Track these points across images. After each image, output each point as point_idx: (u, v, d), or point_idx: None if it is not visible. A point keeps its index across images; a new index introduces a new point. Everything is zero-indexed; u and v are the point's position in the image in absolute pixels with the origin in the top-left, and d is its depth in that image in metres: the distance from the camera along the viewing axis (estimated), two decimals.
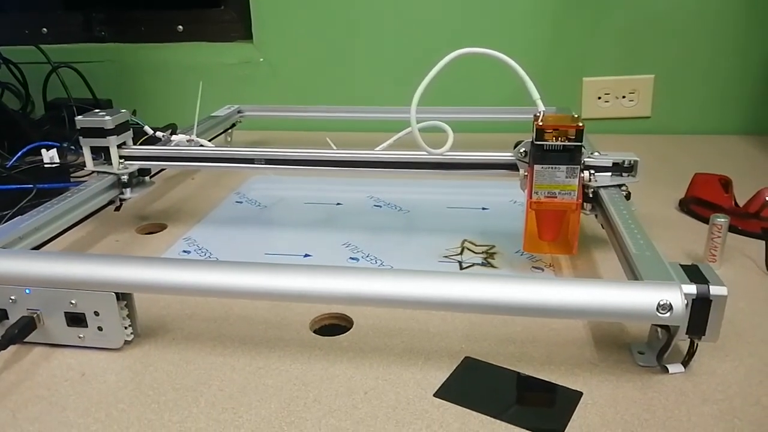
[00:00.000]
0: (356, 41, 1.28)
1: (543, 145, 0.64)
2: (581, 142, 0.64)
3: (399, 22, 1.25)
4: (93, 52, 1.36)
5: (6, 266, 0.55)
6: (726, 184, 0.84)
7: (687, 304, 0.48)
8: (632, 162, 0.70)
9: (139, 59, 1.36)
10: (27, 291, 0.55)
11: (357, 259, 0.74)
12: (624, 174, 0.70)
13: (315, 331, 0.60)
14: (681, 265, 0.52)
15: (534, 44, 1.22)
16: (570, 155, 0.64)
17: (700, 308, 0.48)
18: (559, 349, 0.56)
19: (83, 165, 1.02)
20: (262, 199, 0.94)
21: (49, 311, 0.56)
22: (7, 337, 0.54)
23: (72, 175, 1.01)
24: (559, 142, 0.64)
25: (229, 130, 1.14)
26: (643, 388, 0.50)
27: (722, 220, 0.67)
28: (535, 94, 0.67)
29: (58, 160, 1.03)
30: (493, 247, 0.75)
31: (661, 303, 0.47)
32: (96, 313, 0.55)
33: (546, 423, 0.47)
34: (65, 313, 0.55)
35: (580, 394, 0.50)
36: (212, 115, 1.11)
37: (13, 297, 0.55)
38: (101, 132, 0.79)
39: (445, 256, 0.73)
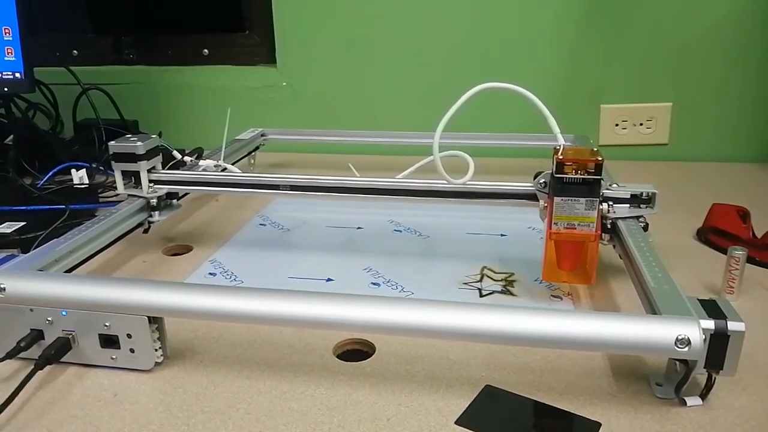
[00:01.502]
0: (376, 67, 1.30)
1: (563, 178, 0.65)
2: (600, 175, 0.65)
3: (419, 49, 1.27)
4: (121, 75, 1.40)
5: (44, 289, 0.57)
6: (744, 215, 0.84)
7: (705, 339, 0.49)
8: (650, 194, 0.71)
9: (166, 82, 1.40)
10: (63, 313, 0.57)
11: (378, 285, 0.75)
12: (642, 206, 0.71)
13: (338, 356, 0.62)
14: (699, 300, 0.53)
15: (552, 71, 1.24)
16: (589, 188, 0.66)
17: (718, 343, 0.49)
18: (578, 379, 0.57)
19: (112, 186, 1.06)
20: (284, 221, 0.96)
21: (84, 333, 0.58)
22: (44, 357, 0.56)
23: (100, 195, 1.04)
24: (578, 176, 0.65)
25: (253, 153, 1.17)
26: (661, 420, 0.51)
27: (740, 252, 0.68)
28: (556, 129, 0.69)
29: (87, 181, 1.06)
30: (513, 274, 0.77)
31: (680, 338, 0.48)
32: (129, 336, 0.57)
33: None
34: (99, 334, 0.57)
35: (599, 425, 0.51)
36: (237, 138, 1.14)
37: (49, 318, 0.57)
38: (132, 157, 0.81)
39: (465, 283, 0.75)
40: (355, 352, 0.63)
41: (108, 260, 0.82)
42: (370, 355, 0.61)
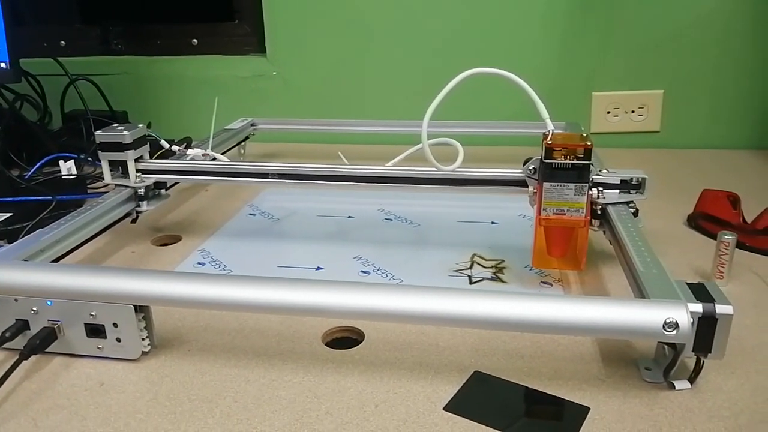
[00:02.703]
0: (368, 56, 1.29)
1: (552, 163, 0.65)
2: (589, 160, 0.65)
3: (411, 38, 1.27)
4: (109, 65, 1.39)
5: (29, 278, 0.57)
6: (734, 200, 0.84)
7: (693, 323, 0.49)
8: (640, 179, 0.71)
9: (155, 72, 1.38)
10: (48, 303, 0.57)
11: (368, 273, 0.75)
12: (632, 191, 0.71)
13: (327, 344, 0.61)
14: (687, 284, 0.53)
15: (544, 59, 1.24)
16: (578, 173, 0.65)
17: (706, 326, 0.49)
18: (567, 364, 0.57)
19: (100, 176, 1.05)
20: (275, 211, 0.96)
21: (70, 322, 0.57)
22: (29, 347, 0.55)
23: (88, 186, 1.03)
24: (567, 161, 0.65)
25: (243, 143, 1.16)
26: (650, 404, 0.51)
27: (730, 237, 0.68)
28: (545, 114, 0.68)
29: (75, 172, 1.05)
30: (503, 261, 0.76)
31: (668, 321, 0.48)
32: (115, 325, 0.57)
33: None
34: (85, 324, 0.57)
35: (588, 409, 0.51)
36: (226, 128, 1.14)
37: (35, 308, 0.57)
38: (119, 146, 0.81)
39: (455, 270, 0.75)
40: (344, 339, 0.63)
41: (96, 250, 0.82)
42: (359, 343, 0.61)
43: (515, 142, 1.15)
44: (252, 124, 1.19)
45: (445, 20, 1.25)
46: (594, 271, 0.74)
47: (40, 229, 0.68)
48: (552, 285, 0.71)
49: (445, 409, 0.51)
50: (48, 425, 0.50)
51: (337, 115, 1.28)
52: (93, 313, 0.56)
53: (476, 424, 0.49)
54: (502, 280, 0.72)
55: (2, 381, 0.53)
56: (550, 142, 0.65)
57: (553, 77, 1.24)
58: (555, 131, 0.68)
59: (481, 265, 0.76)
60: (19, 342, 0.57)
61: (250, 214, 0.95)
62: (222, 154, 0.97)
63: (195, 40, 1.40)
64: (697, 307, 0.49)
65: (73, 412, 0.52)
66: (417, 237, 0.86)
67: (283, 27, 1.31)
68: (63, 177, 1.04)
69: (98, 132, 0.81)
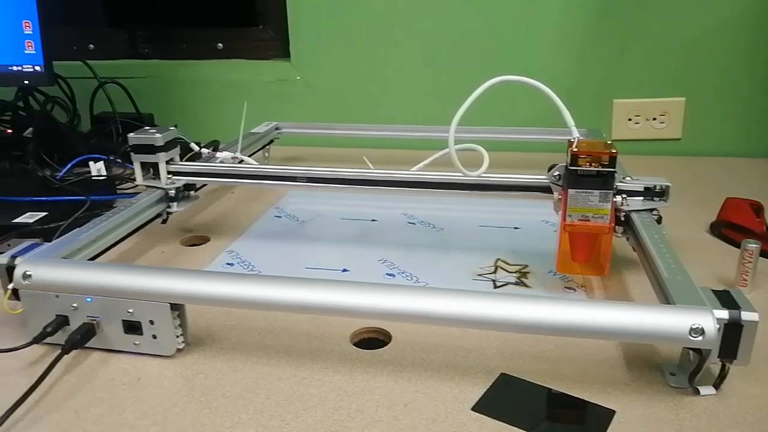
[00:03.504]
0: (389, 61, 1.31)
1: (577, 170, 0.66)
2: (614, 168, 0.66)
3: (431, 42, 1.28)
4: (136, 68, 1.41)
5: (70, 276, 0.59)
6: (758, 209, 0.85)
7: (719, 329, 0.50)
8: (664, 187, 0.72)
9: (180, 75, 1.41)
10: (88, 299, 0.59)
11: (393, 275, 0.76)
12: (655, 198, 0.72)
13: (354, 344, 0.63)
14: (713, 291, 0.54)
15: (565, 65, 1.25)
16: (603, 180, 0.66)
17: (732, 333, 0.50)
18: (591, 368, 0.58)
19: (128, 178, 1.07)
20: (299, 214, 0.97)
21: (108, 319, 0.59)
22: (70, 342, 0.58)
23: (117, 187, 1.05)
24: (592, 168, 0.66)
25: (268, 146, 1.18)
26: (675, 409, 0.52)
27: (754, 245, 0.69)
28: (570, 122, 0.69)
29: (104, 173, 1.08)
30: (526, 266, 0.77)
31: (694, 327, 0.49)
32: (151, 322, 0.58)
33: None
34: (123, 320, 0.59)
35: (613, 412, 0.52)
36: (251, 131, 1.15)
37: (75, 305, 0.59)
38: (151, 149, 0.83)
39: (479, 274, 0.76)
40: (372, 340, 0.64)
41: (127, 250, 0.84)
42: (386, 344, 0.62)
43: (535, 149, 1.16)
44: (276, 128, 1.21)
45: (465, 26, 1.26)
46: (617, 277, 0.75)
47: (77, 229, 0.70)
48: (575, 290, 0.72)
49: (474, 409, 0.52)
50: (89, 417, 0.52)
51: (359, 119, 1.29)
52: (130, 310, 0.58)
53: (504, 424, 0.50)
54: (526, 285, 0.73)
55: (45, 374, 0.55)
56: (575, 150, 0.66)
57: (573, 84, 1.25)
58: (580, 138, 0.69)
59: (505, 270, 0.77)
60: (59, 337, 0.59)
61: (276, 217, 0.97)
62: (248, 157, 0.99)
63: (220, 45, 1.42)
64: (723, 314, 0.50)
65: (113, 405, 0.54)
66: (440, 241, 0.87)
67: (307, 32, 1.33)
68: (93, 178, 1.06)
69: (131, 134, 0.83)
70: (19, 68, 1.03)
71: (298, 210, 0.99)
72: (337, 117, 1.33)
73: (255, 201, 1.03)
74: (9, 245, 0.80)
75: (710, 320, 0.49)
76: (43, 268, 0.60)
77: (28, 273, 0.59)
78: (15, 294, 0.60)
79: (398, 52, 1.30)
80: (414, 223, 0.93)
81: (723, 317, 0.50)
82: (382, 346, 0.62)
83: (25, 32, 1.02)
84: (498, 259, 0.79)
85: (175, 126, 0.89)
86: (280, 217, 0.97)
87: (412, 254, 0.82)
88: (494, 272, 0.76)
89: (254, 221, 0.95)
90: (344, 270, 0.78)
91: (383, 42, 1.30)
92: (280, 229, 0.92)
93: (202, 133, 1.20)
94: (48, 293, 0.59)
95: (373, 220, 0.94)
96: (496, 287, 0.73)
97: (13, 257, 0.61)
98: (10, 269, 0.60)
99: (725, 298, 0.52)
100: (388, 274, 0.76)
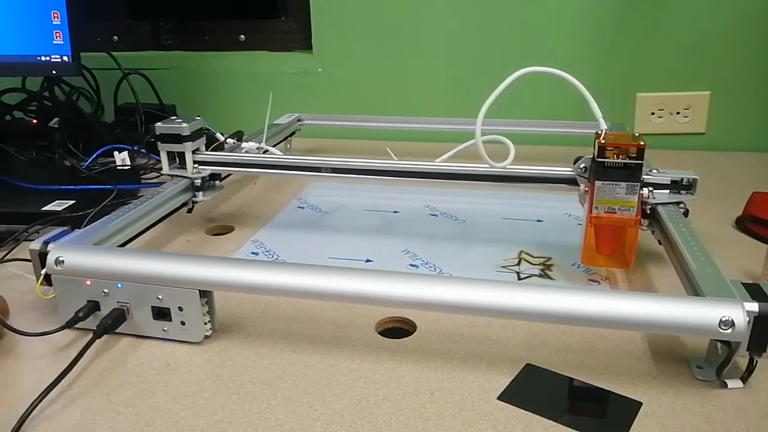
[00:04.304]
0: (411, 53, 1.31)
1: (604, 162, 0.66)
2: (642, 160, 0.66)
3: (453, 34, 1.28)
4: (159, 60, 1.43)
5: (102, 262, 0.60)
6: None
7: (749, 321, 0.49)
8: (691, 180, 0.71)
9: (203, 67, 1.42)
10: (118, 285, 0.60)
11: (417, 266, 0.76)
12: (682, 191, 0.71)
13: (380, 333, 0.63)
14: (742, 283, 0.53)
15: (588, 58, 1.24)
16: (630, 172, 0.66)
17: (762, 326, 0.50)
18: (617, 360, 0.58)
19: (153, 167, 1.08)
20: (322, 204, 0.98)
21: (138, 305, 0.60)
22: (101, 327, 0.59)
23: (142, 176, 1.07)
24: (620, 160, 0.66)
25: (290, 138, 1.19)
26: (702, 402, 0.52)
27: None
28: (598, 113, 0.69)
29: (129, 163, 1.09)
30: (550, 259, 0.77)
31: (723, 319, 0.49)
32: (180, 309, 0.59)
33: (608, 430, 0.49)
34: (152, 307, 0.60)
35: (640, 404, 0.52)
36: (274, 123, 1.16)
37: (106, 290, 0.60)
38: (178, 138, 0.84)
39: (503, 266, 0.76)
40: (396, 330, 0.64)
41: (153, 239, 0.85)
42: (411, 333, 0.63)
43: (557, 142, 1.15)
44: (298, 120, 1.22)
45: (489, 19, 1.25)
46: (642, 270, 0.74)
47: (105, 216, 0.71)
48: (600, 283, 0.72)
49: (499, 398, 0.52)
50: (121, 400, 0.53)
51: (381, 111, 1.29)
52: (160, 297, 0.59)
53: (530, 414, 0.51)
54: (550, 277, 0.73)
55: (78, 358, 0.56)
56: (603, 141, 0.66)
57: (596, 77, 1.23)
58: (607, 130, 0.69)
59: (529, 262, 0.77)
60: (90, 322, 0.60)
61: (299, 207, 0.97)
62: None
63: (242, 36, 1.43)
64: (753, 306, 0.50)
65: (143, 389, 0.55)
66: (463, 233, 0.87)
67: (329, 24, 1.33)
68: (118, 167, 1.08)
69: (158, 124, 0.84)
70: (48, 58, 1.04)
71: (320, 201, 0.99)
72: (359, 109, 1.33)
73: (277, 192, 1.04)
74: (38, 232, 0.82)
75: (740, 312, 0.49)
76: (76, 254, 0.61)
77: (60, 259, 0.60)
78: (47, 279, 0.61)
79: (420, 43, 1.30)
80: (436, 215, 0.93)
81: (753, 310, 0.49)
82: (407, 336, 0.62)
83: (54, 23, 1.03)
84: (521, 252, 0.79)
85: (198, 117, 0.90)
86: (302, 207, 0.97)
87: (435, 245, 0.82)
88: (518, 264, 0.76)
89: (277, 212, 0.95)
90: (368, 260, 0.78)
91: (405, 34, 1.30)
92: (303, 219, 0.93)
93: (224, 124, 1.20)
94: (79, 279, 0.60)
95: (395, 212, 0.94)
96: (520, 279, 0.73)
97: (46, 243, 0.62)
98: (42, 255, 0.61)
99: (755, 291, 0.52)
100: (411, 265, 0.77)
